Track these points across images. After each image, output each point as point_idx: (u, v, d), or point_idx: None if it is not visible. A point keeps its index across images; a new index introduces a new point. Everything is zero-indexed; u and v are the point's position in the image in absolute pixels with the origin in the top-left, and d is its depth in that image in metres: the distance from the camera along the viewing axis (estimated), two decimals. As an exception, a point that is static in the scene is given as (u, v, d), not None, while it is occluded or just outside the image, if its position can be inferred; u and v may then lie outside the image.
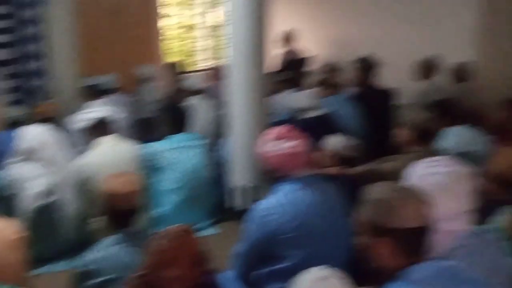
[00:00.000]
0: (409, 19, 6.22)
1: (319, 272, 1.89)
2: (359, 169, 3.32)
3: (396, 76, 5.07)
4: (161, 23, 6.99)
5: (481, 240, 1.92)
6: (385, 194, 1.59)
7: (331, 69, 5.47)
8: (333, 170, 3.24)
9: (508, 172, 2.58)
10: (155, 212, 3.78)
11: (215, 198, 4.14)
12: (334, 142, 3.42)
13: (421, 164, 1.92)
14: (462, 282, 1.57)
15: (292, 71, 5.97)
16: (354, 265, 2.13)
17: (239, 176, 3.99)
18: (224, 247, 2.66)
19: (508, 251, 2.02)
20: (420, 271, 1.55)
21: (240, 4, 3.73)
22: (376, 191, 1.62)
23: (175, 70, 5.99)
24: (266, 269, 2.35)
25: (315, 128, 3.52)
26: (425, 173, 1.86)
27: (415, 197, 1.59)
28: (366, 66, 4.92)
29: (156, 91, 5.84)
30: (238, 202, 3.98)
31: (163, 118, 4.20)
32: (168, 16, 7.10)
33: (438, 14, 6.12)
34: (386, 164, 3.24)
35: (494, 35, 5.73)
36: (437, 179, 1.82)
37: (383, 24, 6.39)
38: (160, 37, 7.01)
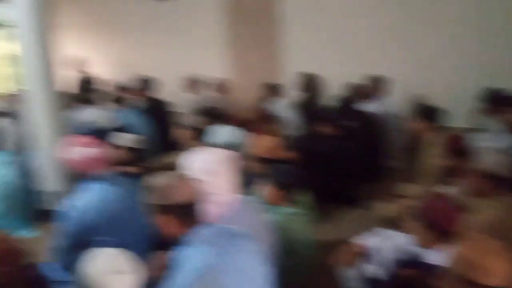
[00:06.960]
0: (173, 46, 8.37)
1: (109, 251, 2.35)
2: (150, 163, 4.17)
3: (169, 90, 6.69)
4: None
5: (247, 205, 2.45)
6: (163, 181, 1.99)
7: (121, 88, 6.42)
8: (131, 169, 3.79)
9: (263, 152, 3.68)
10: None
11: (30, 205, 4.81)
12: (126, 139, 3.98)
13: (196, 154, 2.38)
14: (237, 238, 1.99)
15: (86, 91, 6.76)
16: (155, 239, 2.69)
17: (49, 182, 4.78)
18: (45, 244, 3.07)
19: (265, 211, 2.68)
20: (201, 233, 1.94)
21: (30, 39, 4.59)
22: (156, 179, 2.01)
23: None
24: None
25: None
26: (199, 160, 2.35)
27: (184, 179, 2.02)
28: (146, 84, 6.19)
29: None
30: (50, 205, 4.70)
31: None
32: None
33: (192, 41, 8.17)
34: (169, 158, 4.21)
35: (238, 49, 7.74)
36: (208, 164, 2.32)
37: (155, 50, 8.49)
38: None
